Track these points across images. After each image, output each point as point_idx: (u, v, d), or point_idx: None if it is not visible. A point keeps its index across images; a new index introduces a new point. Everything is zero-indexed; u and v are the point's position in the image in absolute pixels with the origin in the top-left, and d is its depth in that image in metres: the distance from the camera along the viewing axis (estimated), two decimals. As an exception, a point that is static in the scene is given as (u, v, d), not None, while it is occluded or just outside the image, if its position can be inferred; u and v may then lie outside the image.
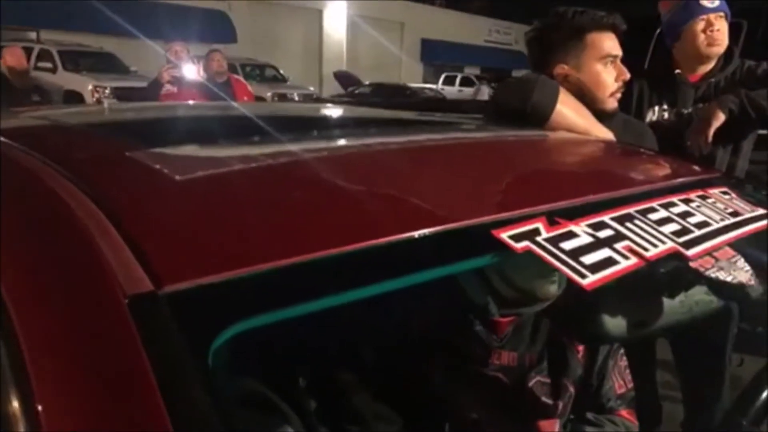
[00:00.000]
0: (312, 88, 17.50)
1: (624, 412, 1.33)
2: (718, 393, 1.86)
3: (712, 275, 0.80)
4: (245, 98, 5.66)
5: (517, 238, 0.67)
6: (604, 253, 0.70)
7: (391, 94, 16.95)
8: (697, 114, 2.26)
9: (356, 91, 18.09)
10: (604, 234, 0.74)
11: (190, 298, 0.49)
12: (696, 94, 2.31)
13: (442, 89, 21.66)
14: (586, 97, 1.60)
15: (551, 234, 0.70)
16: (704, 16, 2.22)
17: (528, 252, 0.66)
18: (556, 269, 0.66)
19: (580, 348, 1.26)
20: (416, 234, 0.63)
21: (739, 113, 2.14)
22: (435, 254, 0.65)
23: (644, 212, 0.83)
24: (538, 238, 0.68)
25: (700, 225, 0.85)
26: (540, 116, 1.48)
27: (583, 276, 0.65)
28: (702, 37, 2.23)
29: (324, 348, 1.06)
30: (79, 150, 0.78)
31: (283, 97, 15.59)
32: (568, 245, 0.69)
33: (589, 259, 0.68)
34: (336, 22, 23.17)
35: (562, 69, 1.61)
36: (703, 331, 1.31)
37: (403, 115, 1.63)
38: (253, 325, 0.50)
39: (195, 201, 0.63)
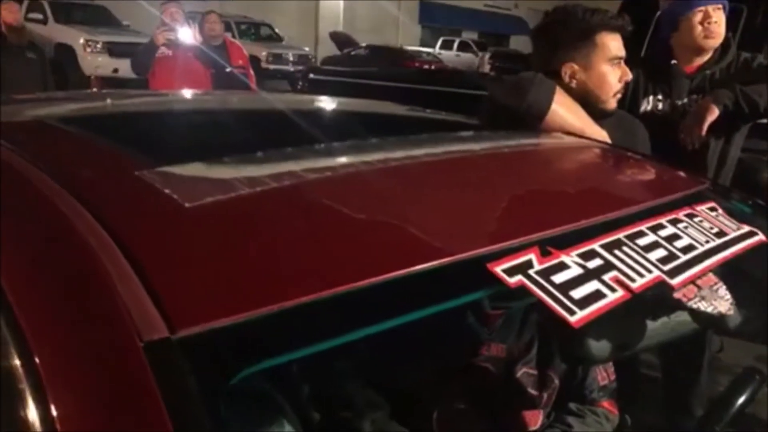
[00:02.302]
0: (307, 49, 17.23)
1: (605, 403, 1.39)
2: (698, 378, 1.93)
3: (694, 305, 0.84)
4: (240, 61, 5.61)
5: (511, 271, 0.70)
6: (592, 285, 0.73)
7: (387, 57, 16.72)
8: (692, 106, 2.28)
9: (352, 53, 17.85)
10: (593, 264, 0.77)
11: (204, 342, 0.51)
12: (691, 85, 2.33)
13: (440, 53, 21.37)
14: (590, 97, 1.62)
15: (543, 266, 0.73)
16: (702, 8, 2.23)
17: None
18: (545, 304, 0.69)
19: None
20: (424, 267, 0.66)
21: (733, 108, 2.17)
22: (432, 291, 0.68)
23: (633, 237, 0.86)
24: (531, 272, 0.71)
25: (686, 249, 0.89)
26: (536, 115, 1.50)
27: (571, 312, 0.69)
28: (699, 29, 2.24)
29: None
30: (96, 172, 0.78)
31: (278, 57, 15.37)
32: (558, 278, 0.72)
33: (577, 293, 0.71)
34: (333, -19, 22.72)
35: (569, 67, 1.61)
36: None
37: (397, 115, 1.63)
38: (265, 366, 0.52)
39: (210, 236, 0.65)
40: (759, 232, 1.05)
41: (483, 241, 0.74)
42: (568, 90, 1.60)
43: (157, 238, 0.62)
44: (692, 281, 0.83)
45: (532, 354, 1.33)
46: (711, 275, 0.87)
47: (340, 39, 19.44)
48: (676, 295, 0.83)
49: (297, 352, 0.55)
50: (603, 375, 1.38)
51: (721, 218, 1.05)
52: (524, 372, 1.33)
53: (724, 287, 0.89)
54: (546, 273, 0.72)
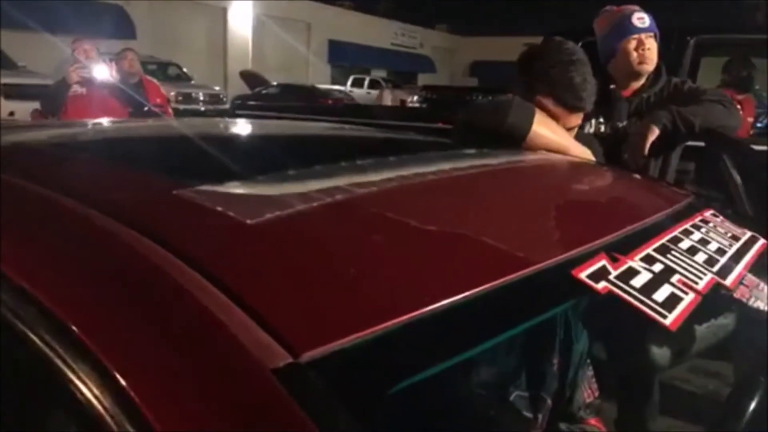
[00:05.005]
0: (218, 88, 16.98)
1: (593, 421, 1.38)
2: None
3: (754, 305, 0.85)
4: (158, 99, 5.43)
5: (594, 277, 0.68)
6: (666, 289, 0.72)
7: (299, 95, 16.73)
8: (632, 127, 2.39)
9: (264, 92, 17.75)
10: (657, 268, 0.76)
11: (334, 364, 0.45)
12: (629, 108, 2.45)
13: (351, 91, 21.61)
14: None
15: (618, 271, 0.71)
16: (636, 36, 2.37)
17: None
18: (637, 310, 0.67)
19: (555, 360, 1.30)
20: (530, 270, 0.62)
21: (671, 128, 2.29)
22: (532, 299, 0.64)
23: (674, 242, 0.86)
24: (611, 277, 0.69)
25: (719, 252, 0.90)
26: (517, 137, 1.51)
27: (663, 315, 0.67)
28: (634, 55, 2.37)
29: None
30: (140, 196, 0.68)
31: (188, 97, 15.04)
32: (636, 283, 0.70)
33: (658, 296, 0.69)
34: (241, 21, 22.59)
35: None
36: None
37: (374, 136, 1.60)
38: (417, 380, 0.47)
39: (287, 252, 0.58)
40: (759, 237, 1.09)
41: (557, 249, 0.70)
42: None
43: (243, 262, 0.54)
44: (740, 281, 0.84)
45: (523, 377, 1.31)
46: (750, 276, 0.88)
47: (250, 77, 19.31)
48: (736, 295, 0.83)
49: (436, 367, 0.49)
50: (588, 392, 1.37)
51: (726, 224, 1.08)
52: (517, 395, 1.30)
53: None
54: (624, 278, 0.70)
